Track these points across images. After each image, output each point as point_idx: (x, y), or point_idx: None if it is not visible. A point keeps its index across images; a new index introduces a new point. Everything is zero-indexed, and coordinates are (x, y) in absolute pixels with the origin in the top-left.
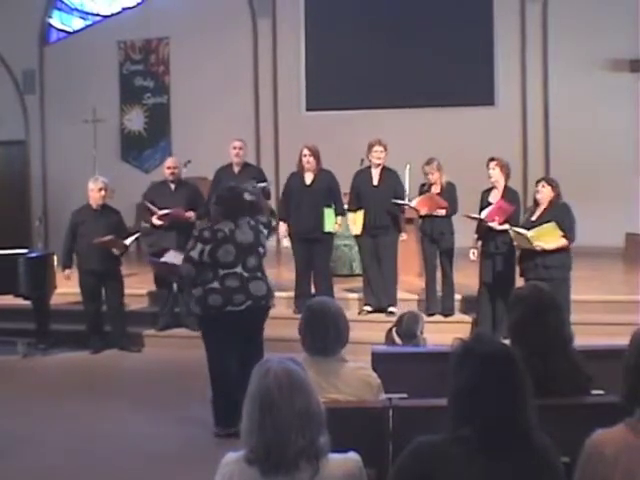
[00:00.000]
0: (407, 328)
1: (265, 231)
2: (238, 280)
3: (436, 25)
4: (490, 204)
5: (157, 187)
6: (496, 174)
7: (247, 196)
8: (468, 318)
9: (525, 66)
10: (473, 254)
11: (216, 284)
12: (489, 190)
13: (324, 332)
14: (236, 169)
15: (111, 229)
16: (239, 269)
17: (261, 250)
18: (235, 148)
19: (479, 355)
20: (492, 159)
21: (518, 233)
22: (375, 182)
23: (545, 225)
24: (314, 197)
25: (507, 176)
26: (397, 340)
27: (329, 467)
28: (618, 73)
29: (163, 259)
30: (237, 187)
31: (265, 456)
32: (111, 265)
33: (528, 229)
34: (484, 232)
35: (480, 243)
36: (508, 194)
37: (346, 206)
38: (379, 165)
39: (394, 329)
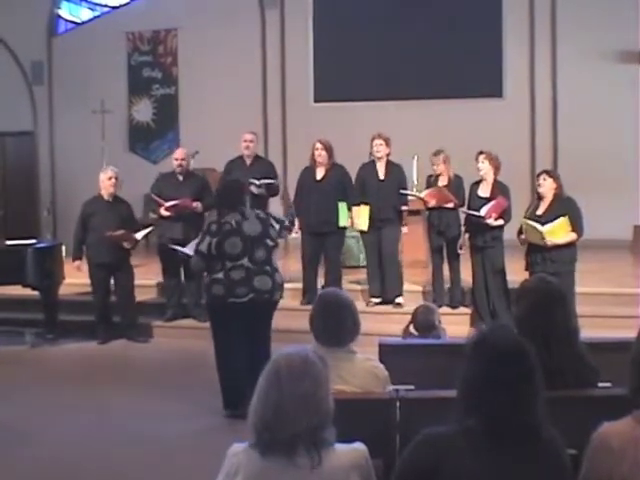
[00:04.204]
0: (424, 320)
1: (277, 226)
2: (243, 272)
3: (445, 17)
4: (480, 197)
5: (165, 178)
6: (485, 167)
7: (253, 189)
8: None
9: (533, 58)
10: (460, 248)
11: (220, 275)
12: (478, 183)
13: (340, 323)
14: (247, 161)
15: (121, 221)
16: (245, 261)
17: (270, 242)
18: (246, 141)
19: (493, 346)
20: (481, 152)
21: (532, 227)
22: (381, 176)
23: (558, 221)
24: (324, 192)
25: (496, 169)
26: (415, 334)
27: (335, 457)
28: (627, 65)
29: (181, 249)
30: (237, 180)
31: (261, 432)
32: (121, 257)
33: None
34: (474, 227)
35: (467, 236)
36: (498, 187)
37: None
38: (381, 158)
39: (411, 325)
